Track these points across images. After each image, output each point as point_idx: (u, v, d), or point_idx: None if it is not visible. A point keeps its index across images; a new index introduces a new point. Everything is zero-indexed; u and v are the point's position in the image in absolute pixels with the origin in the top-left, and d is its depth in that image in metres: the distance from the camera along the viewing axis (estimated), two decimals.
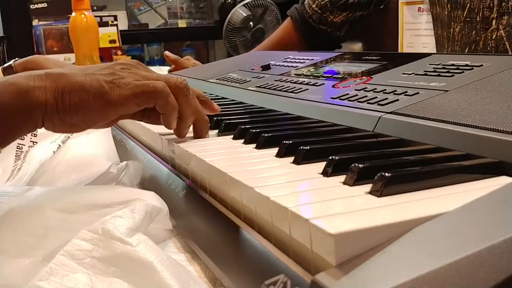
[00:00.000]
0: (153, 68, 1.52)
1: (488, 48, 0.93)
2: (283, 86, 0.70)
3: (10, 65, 0.95)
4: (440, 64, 0.57)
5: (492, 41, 0.93)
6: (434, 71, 0.55)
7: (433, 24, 1.09)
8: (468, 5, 0.94)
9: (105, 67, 0.48)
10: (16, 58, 0.97)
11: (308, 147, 0.41)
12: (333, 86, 0.63)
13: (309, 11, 1.22)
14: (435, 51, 1.09)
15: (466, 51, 0.97)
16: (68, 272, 0.36)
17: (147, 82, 0.48)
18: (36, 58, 0.96)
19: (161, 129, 0.60)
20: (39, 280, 0.35)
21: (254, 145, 0.48)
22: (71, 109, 0.44)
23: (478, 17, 0.94)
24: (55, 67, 0.94)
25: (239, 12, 2.57)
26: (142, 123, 0.65)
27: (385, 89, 0.54)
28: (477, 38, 0.95)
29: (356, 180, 0.34)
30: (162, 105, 0.49)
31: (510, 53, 0.90)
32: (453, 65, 0.56)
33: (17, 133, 0.45)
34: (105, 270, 0.36)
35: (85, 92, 0.45)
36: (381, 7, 1.24)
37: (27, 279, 0.35)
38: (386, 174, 0.32)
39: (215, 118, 0.59)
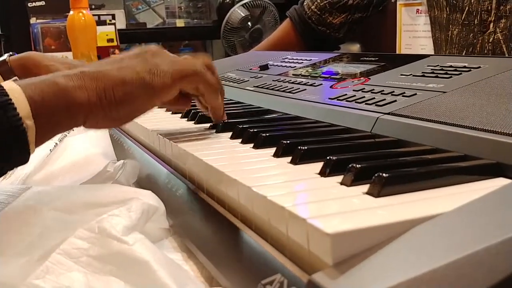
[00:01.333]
0: None
1: (485, 51, 0.94)
2: (281, 86, 0.70)
3: (5, 60, 0.94)
4: (438, 65, 0.58)
5: (489, 44, 0.93)
6: (432, 73, 0.55)
7: (431, 27, 1.09)
8: (467, 8, 0.95)
9: (135, 57, 0.48)
10: (11, 53, 0.95)
11: (305, 147, 0.41)
12: (331, 87, 0.63)
13: (308, 12, 1.22)
14: (432, 53, 1.09)
15: (464, 53, 0.97)
16: (65, 271, 0.36)
17: (186, 65, 0.49)
18: (32, 55, 0.95)
19: (158, 127, 0.60)
20: (35, 279, 0.35)
21: (252, 144, 0.48)
22: (117, 104, 0.45)
23: (476, 20, 0.94)
24: (51, 64, 0.93)
25: (237, 12, 2.57)
26: (138, 121, 0.65)
27: (383, 90, 0.54)
28: (475, 41, 0.95)
29: (353, 180, 0.34)
30: (206, 85, 0.51)
31: (507, 55, 0.90)
32: (451, 66, 0.56)
33: (56, 132, 0.45)
34: (101, 269, 0.36)
35: (128, 86, 0.45)
36: (380, 8, 1.25)
37: (23, 278, 0.35)
38: (384, 174, 0.32)
39: None
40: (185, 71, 0.49)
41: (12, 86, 0.40)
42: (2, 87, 0.39)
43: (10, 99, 0.38)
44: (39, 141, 0.41)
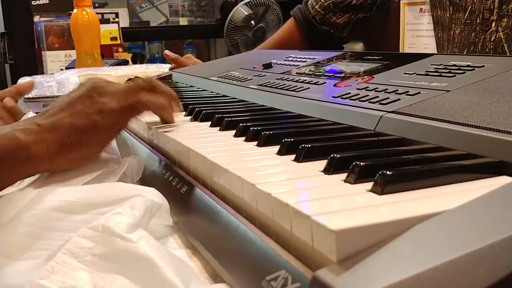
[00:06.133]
0: (153, 66, 1.51)
1: (487, 50, 0.94)
2: (285, 84, 0.70)
3: None
4: (441, 64, 0.58)
5: (491, 43, 0.93)
6: (436, 71, 0.56)
7: (434, 27, 1.09)
8: (470, 7, 0.95)
9: (85, 98, 0.50)
10: None
11: (309, 145, 0.41)
12: (334, 85, 0.63)
13: (312, 11, 1.22)
14: (436, 52, 1.09)
15: (465, 52, 0.97)
16: (69, 270, 0.36)
17: (130, 97, 0.52)
18: None
19: (162, 125, 0.60)
20: (40, 279, 0.35)
21: (255, 142, 0.48)
22: (75, 150, 0.48)
23: (478, 19, 0.94)
24: None
25: (241, 10, 2.57)
26: (141, 119, 0.65)
27: (387, 89, 0.54)
28: (476, 40, 0.95)
29: (357, 178, 0.34)
30: (154, 109, 0.55)
31: (508, 54, 0.90)
32: (454, 65, 0.56)
33: (17, 180, 0.48)
34: (106, 267, 0.36)
35: (82, 132, 0.49)
36: (384, 8, 1.25)
37: (28, 278, 0.35)
38: (388, 172, 0.32)
39: (217, 116, 0.59)
40: (131, 105, 0.52)
41: None
42: None
43: None
44: (3, 188, 0.45)
